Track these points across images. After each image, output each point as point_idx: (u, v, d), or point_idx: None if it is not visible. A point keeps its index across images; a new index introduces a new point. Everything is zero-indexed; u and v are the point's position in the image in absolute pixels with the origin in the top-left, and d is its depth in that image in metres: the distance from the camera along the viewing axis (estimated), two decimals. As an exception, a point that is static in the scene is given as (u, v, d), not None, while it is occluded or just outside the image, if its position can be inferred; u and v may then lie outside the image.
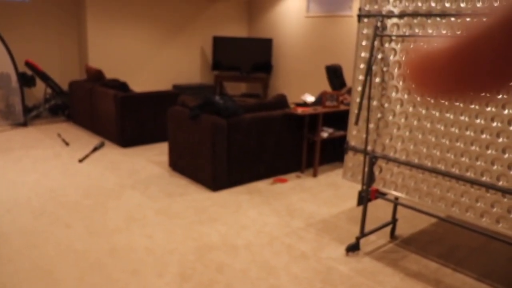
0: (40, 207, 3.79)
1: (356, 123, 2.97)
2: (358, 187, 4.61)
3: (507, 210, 2.52)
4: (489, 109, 2.51)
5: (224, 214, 3.80)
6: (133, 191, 4.23)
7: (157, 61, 8.62)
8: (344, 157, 3.26)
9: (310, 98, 5.38)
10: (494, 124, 2.49)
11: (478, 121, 2.55)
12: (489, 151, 2.53)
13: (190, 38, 9.00)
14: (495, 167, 2.52)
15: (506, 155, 2.47)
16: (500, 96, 2.45)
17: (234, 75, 9.13)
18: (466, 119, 2.58)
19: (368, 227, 3.63)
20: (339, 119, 5.39)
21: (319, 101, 5.26)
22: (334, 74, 6.57)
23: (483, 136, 2.54)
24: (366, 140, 3.06)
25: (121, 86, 5.97)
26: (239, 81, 9.10)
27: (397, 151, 2.94)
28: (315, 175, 4.91)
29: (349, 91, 5.88)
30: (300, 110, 4.59)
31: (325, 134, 4.85)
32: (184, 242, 3.26)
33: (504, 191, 2.49)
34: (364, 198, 3.14)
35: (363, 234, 3.24)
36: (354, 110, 3.13)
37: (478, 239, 3.54)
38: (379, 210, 4.04)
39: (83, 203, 3.92)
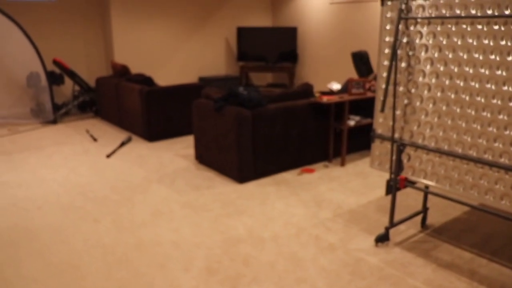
0: (69, 202, 3.85)
1: (382, 110, 2.87)
2: (387, 175, 4.51)
3: (545, 197, 2.39)
4: (506, 88, 2.37)
5: (251, 206, 3.77)
6: (159, 185, 4.25)
7: (182, 54, 8.63)
8: (371, 146, 3.17)
9: (336, 86, 5.27)
10: (529, 106, 2.35)
11: (511, 104, 2.42)
12: (524, 136, 2.40)
13: (214, 30, 8.97)
14: (531, 152, 2.39)
15: (543, 139, 2.34)
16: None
17: (260, 65, 9.06)
18: (499, 102, 2.45)
19: (397, 217, 3.54)
20: (366, 107, 5.27)
21: (345, 89, 5.15)
22: (361, 60, 6.41)
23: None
24: (393, 127, 2.95)
25: (146, 81, 6.00)
26: (265, 71, 9.03)
27: (426, 138, 2.83)
28: (343, 164, 4.82)
29: (376, 78, 5.74)
30: (325, 99, 4.50)
31: (352, 122, 4.74)
32: (210, 236, 3.25)
33: (542, 177, 2.36)
34: (392, 187, 3.05)
35: (392, 224, 3.15)
36: (379, 97, 3.03)
37: (515, 227, 3.40)
38: (409, 199, 3.92)
39: (110, 198, 3.96)
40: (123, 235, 3.26)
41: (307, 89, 4.82)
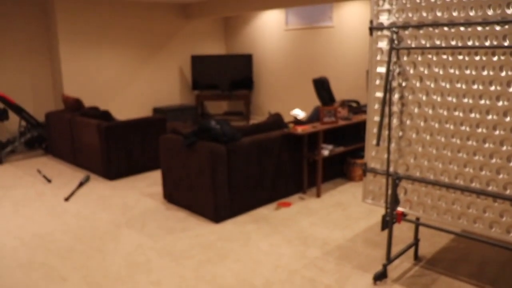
0: (28, 258, 3.42)
1: (378, 144, 2.75)
2: (367, 206, 4.40)
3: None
4: (508, 119, 2.34)
5: (234, 249, 3.52)
6: (129, 230, 3.90)
7: (135, 85, 8.30)
8: (363, 180, 3.04)
9: (301, 114, 5.16)
10: (533, 136, 2.31)
11: (497, 132, 2.38)
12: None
13: (167, 59, 8.72)
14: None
15: (549, 169, 2.29)
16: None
17: (215, 94, 8.88)
18: (484, 131, 2.40)
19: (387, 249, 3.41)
20: (337, 134, 5.19)
21: (315, 117, 5.05)
22: (322, 87, 6.39)
23: (504, 148, 2.35)
24: (388, 161, 2.84)
25: (104, 115, 5.64)
26: (220, 99, 8.85)
27: (423, 170, 2.73)
28: (318, 195, 4.67)
29: (343, 105, 5.71)
30: (300, 129, 4.36)
31: (325, 152, 4.63)
32: (197, 287, 2.96)
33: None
34: (389, 222, 2.92)
35: (389, 260, 3.01)
36: (372, 130, 2.91)
37: (505, 252, 3.36)
38: (393, 229, 3.83)
39: (76, 248, 3.57)
40: (98, 293, 2.91)
41: (278, 120, 4.68)
